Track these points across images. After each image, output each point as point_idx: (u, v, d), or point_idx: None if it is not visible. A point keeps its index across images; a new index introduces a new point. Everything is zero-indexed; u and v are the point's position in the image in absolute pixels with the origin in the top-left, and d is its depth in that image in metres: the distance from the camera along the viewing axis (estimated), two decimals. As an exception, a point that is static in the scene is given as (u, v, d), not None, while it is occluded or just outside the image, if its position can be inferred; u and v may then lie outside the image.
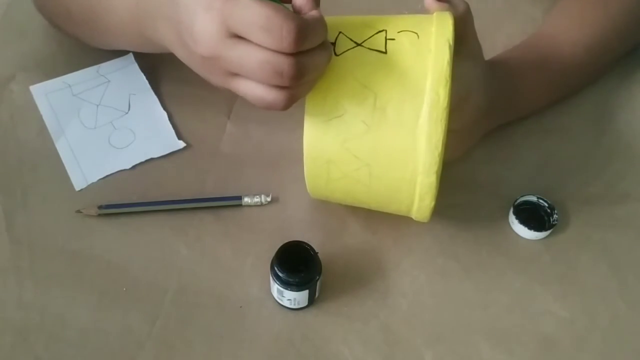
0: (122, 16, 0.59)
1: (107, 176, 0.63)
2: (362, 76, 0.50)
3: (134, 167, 0.63)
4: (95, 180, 0.62)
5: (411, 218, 0.55)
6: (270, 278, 0.54)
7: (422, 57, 0.49)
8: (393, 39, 0.51)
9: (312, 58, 0.46)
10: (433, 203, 0.51)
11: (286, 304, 0.55)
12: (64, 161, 0.63)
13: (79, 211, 0.60)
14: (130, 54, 0.71)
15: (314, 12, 0.48)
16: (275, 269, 0.53)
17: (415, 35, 0.51)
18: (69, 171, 0.63)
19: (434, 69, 0.49)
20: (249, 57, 0.45)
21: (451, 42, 0.49)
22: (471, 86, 0.56)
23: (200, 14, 0.46)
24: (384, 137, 0.50)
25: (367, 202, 0.56)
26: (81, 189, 0.62)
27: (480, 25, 0.57)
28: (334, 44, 0.51)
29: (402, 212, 0.55)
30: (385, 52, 0.50)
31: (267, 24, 0.43)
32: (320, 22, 0.47)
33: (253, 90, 0.47)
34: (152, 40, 0.55)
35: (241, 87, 0.48)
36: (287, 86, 0.46)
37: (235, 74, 0.47)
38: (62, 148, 0.64)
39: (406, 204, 0.53)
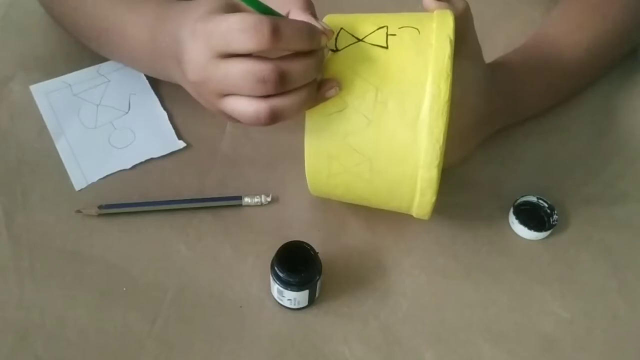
0: (134, 46, 0.60)
1: (107, 176, 0.63)
2: (363, 71, 0.50)
3: (134, 167, 0.63)
4: (95, 180, 0.62)
5: (411, 217, 0.55)
6: (271, 278, 0.54)
7: (423, 52, 0.50)
8: (394, 35, 0.51)
9: (296, 63, 0.46)
10: (434, 198, 0.51)
11: (286, 304, 0.55)
12: (64, 161, 0.63)
13: (79, 211, 0.60)
14: (131, 54, 0.71)
15: (302, 16, 0.48)
16: (276, 268, 0.53)
17: (416, 30, 0.51)
18: (69, 171, 0.63)
19: (435, 62, 0.49)
20: (232, 70, 0.46)
21: (452, 37, 0.49)
22: (470, 88, 0.56)
23: (188, 42, 0.48)
24: (385, 131, 0.50)
25: (367, 199, 0.56)
26: (81, 189, 0.62)
27: (480, 26, 0.57)
28: (335, 40, 0.51)
29: (403, 208, 0.55)
30: (387, 47, 0.50)
31: (242, 25, 0.44)
32: (304, 26, 0.47)
33: (239, 105, 0.47)
34: (163, 75, 0.57)
35: (229, 104, 0.48)
36: (272, 95, 0.46)
37: (225, 95, 0.48)
38: (62, 148, 0.64)
39: (407, 200, 0.53)
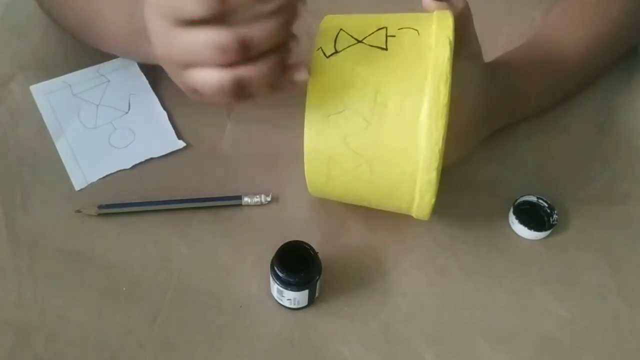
0: (115, 32, 0.59)
1: (107, 176, 0.63)
2: (362, 72, 0.50)
3: (133, 166, 0.63)
4: (95, 180, 0.62)
5: (411, 217, 0.55)
6: (270, 278, 0.54)
7: (422, 54, 0.50)
8: (394, 36, 0.51)
9: (259, 26, 0.43)
10: (433, 200, 0.51)
11: (286, 303, 0.55)
12: (64, 161, 0.63)
13: (78, 211, 0.60)
14: (130, 54, 0.71)
15: None
16: (275, 268, 0.53)
17: (416, 32, 0.51)
18: (69, 171, 0.63)
19: (434, 65, 0.49)
20: (192, 39, 0.43)
21: (451, 38, 0.49)
22: (470, 87, 0.56)
23: (150, 18, 0.46)
24: (384, 133, 0.50)
25: (367, 200, 0.56)
26: (81, 189, 0.62)
27: (479, 26, 0.57)
28: (335, 41, 0.51)
29: (403, 209, 0.55)
30: (386, 49, 0.50)
31: None
32: None
33: (202, 75, 0.45)
34: (144, 57, 0.56)
35: (192, 76, 0.45)
36: (237, 65, 0.44)
37: (188, 66, 0.45)
38: (62, 148, 0.64)
39: (406, 201, 0.53)
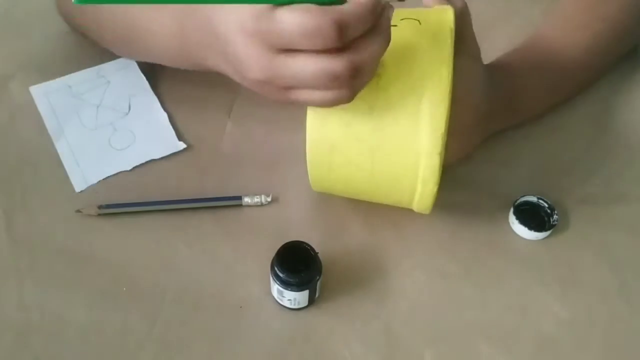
0: (165, 41, 0.58)
1: (107, 178, 0.63)
2: None
3: (134, 168, 0.63)
4: (95, 182, 0.62)
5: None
6: (271, 278, 0.54)
7: (424, 40, 0.50)
8: (395, 26, 0.51)
9: (365, 50, 0.44)
10: (435, 188, 0.51)
11: (286, 304, 0.55)
12: (64, 162, 0.63)
13: (78, 211, 0.60)
14: (130, 54, 0.71)
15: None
16: (276, 269, 0.53)
17: (417, 22, 0.51)
18: (69, 172, 0.63)
19: (436, 50, 0.49)
20: (302, 70, 0.44)
21: (452, 26, 0.50)
22: (470, 85, 0.56)
23: (240, 42, 0.45)
24: (387, 119, 0.50)
25: (368, 192, 0.56)
26: (81, 191, 0.62)
27: (479, 26, 0.57)
28: None
29: (404, 202, 0.55)
30: None
31: (304, 30, 0.42)
32: (368, 8, 0.43)
33: (315, 97, 0.46)
34: (203, 66, 0.54)
35: (302, 97, 0.46)
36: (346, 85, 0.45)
37: (293, 87, 0.46)
38: (62, 149, 0.64)
39: (408, 191, 0.53)
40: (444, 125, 0.49)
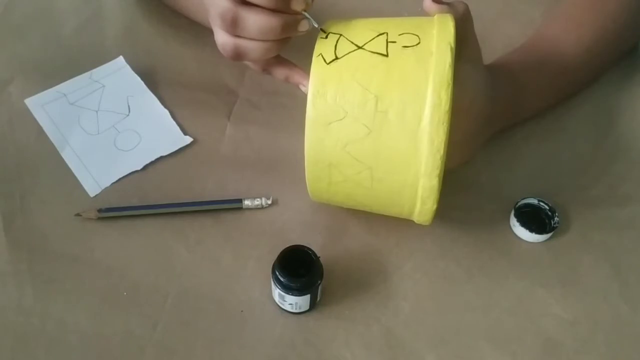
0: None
1: (120, 179, 0.63)
2: (363, 79, 0.50)
3: (145, 167, 0.63)
4: (108, 184, 0.62)
5: (413, 221, 0.55)
6: (272, 282, 0.54)
7: (423, 60, 0.49)
8: (394, 42, 0.51)
9: (252, 14, 0.51)
10: (435, 206, 0.51)
11: (288, 308, 0.55)
12: (73, 170, 0.63)
13: (78, 214, 0.60)
14: (121, 57, 0.71)
15: None
16: (277, 273, 0.53)
17: (417, 37, 0.50)
18: (80, 179, 0.62)
19: (435, 71, 0.48)
20: (214, 3, 0.52)
21: (452, 44, 0.49)
22: (474, 92, 0.56)
23: None
24: (385, 141, 0.50)
25: (368, 205, 0.56)
26: (96, 195, 0.61)
27: (479, 26, 0.56)
28: (335, 47, 0.51)
29: (404, 215, 0.55)
30: (387, 55, 0.50)
31: None
32: None
33: (216, 34, 0.54)
34: (206, 21, 0.59)
35: (215, 33, 0.54)
36: (233, 34, 0.52)
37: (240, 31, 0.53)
38: (69, 157, 0.64)
39: (408, 207, 0.53)
40: (443, 148, 0.48)
